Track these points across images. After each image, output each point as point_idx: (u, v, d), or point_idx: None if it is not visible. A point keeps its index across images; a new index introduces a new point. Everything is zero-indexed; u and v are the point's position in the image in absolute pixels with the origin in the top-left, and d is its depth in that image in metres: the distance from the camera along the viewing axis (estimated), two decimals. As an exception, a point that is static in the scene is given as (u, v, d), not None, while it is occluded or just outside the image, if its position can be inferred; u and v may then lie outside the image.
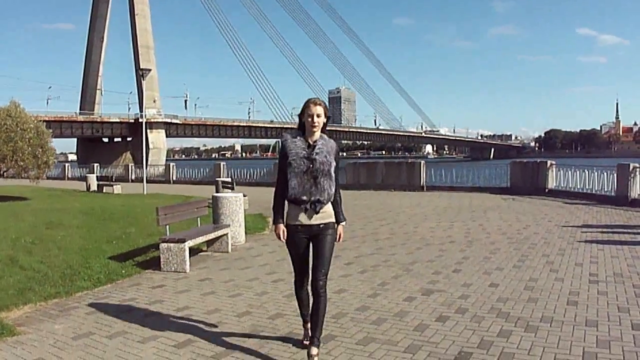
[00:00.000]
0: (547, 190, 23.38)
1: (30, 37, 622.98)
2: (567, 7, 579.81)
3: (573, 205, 19.27)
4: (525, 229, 13.66)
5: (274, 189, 5.23)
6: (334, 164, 5.20)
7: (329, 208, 5.27)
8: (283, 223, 5.28)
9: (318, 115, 5.19)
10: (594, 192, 21.40)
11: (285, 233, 5.27)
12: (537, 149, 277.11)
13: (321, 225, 5.22)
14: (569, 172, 23.18)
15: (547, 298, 7.29)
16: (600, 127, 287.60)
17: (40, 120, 23.42)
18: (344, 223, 5.44)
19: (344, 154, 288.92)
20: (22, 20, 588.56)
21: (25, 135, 20.82)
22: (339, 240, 5.39)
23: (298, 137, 5.26)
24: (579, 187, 22.34)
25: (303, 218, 5.19)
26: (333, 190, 5.22)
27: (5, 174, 22.77)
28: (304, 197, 5.12)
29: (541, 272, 8.81)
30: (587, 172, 22.15)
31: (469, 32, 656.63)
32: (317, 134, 5.26)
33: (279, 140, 4.92)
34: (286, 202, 5.27)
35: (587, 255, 10.15)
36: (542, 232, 12.98)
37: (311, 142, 5.20)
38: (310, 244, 5.30)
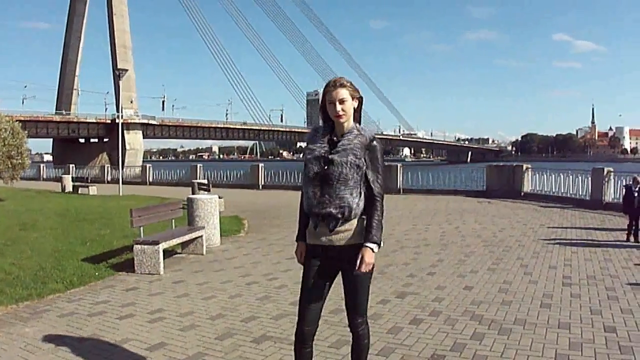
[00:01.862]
0: (522, 193, 23.56)
1: (4, 36, 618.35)
2: (543, 13, 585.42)
3: (548, 208, 19.44)
4: (500, 232, 13.74)
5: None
6: (363, 165, 3.87)
7: (354, 225, 3.92)
8: (304, 240, 4.15)
9: (342, 101, 3.88)
10: (569, 195, 21.64)
11: (303, 254, 4.20)
12: (513, 152, 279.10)
13: (343, 249, 3.95)
14: (545, 175, 23.44)
15: (521, 301, 7.32)
16: (576, 131, 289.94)
17: (16, 120, 23.24)
18: (372, 246, 3.89)
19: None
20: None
21: (0, 135, 20.65)
22: (359, 268, 3.90)
23: (324, 130, 4.02)
24: (554, 190, 22.57)
25: (317, 236, 4.00)
26: (358, 201, 3.87)
27: (-22, 174, 22.55)
28: (315, 210, 3.91)
29: (515, 275, 8.86)
30: (562, 176, 22.42)
31: (446, 37, 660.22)
32: (349, 126, 3.96)
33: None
34: None
35: (560, 258, 10.23)
36: (517, 235, 13.06)
37: (338, 137, 3.96)
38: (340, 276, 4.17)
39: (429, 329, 6.18)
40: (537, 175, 24.05)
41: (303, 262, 4.20)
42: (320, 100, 4.04)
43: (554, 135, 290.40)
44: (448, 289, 7.99)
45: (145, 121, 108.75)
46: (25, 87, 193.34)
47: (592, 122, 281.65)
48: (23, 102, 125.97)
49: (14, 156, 21.31)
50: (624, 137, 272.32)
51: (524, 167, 24.27)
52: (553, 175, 22.96)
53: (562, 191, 22.13)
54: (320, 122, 4.11)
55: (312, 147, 3.97)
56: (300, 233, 4.18)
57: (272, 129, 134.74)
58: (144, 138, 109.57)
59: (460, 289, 8.02)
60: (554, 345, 5.58)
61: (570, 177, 21.98)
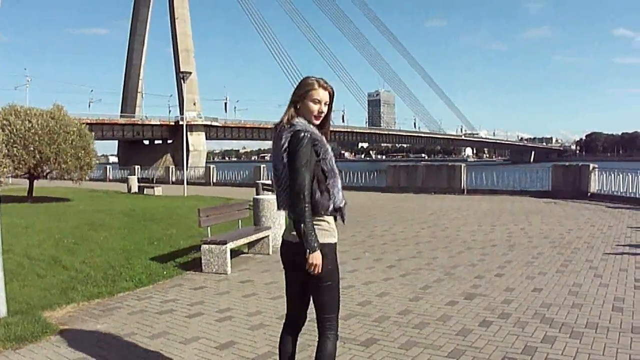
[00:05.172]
0: (589, 194, 23.06)
1: (69, 42, 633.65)
2: (601, 8, 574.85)
3: (616, 209, 18.99)
4: (567, 233, 13.48)
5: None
6: None
7: None
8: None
9: (326, 104, 4.01)
10: (638, 196, 21.08)
11: None
12: (578, 152, 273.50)
13: None
14: (612, 175, 22.88)
15: (592, 304, 7.16)
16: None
17: (83, 123, 23.74)
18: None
19: (383, 156, 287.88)
20: (60, 25, 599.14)
21: (68, 137, 21.15)
22: None
23: None
24: (622, 191, 22.04)
25: None
26: None
27: (48, 175, 23.09)
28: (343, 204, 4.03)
29: (585, 277, 8.67)
30: (630, 176, 21.85)
31: (503, 34, 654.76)
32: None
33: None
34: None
35: (631, 261, 9.96)
36: (585, 237, 12.80)
37: None
38: None
39: (499, 331, 6.10)
40: (604, 175, 23.50)
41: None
42: (300, 94, 3.93)
43: (620, 133, 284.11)
44: (517, 291, 7.87)
45: (208, 123, 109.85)
46: (92, 91, 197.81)
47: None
48: (89, 106, 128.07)
49: (81, 157, 21.77)
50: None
51: (591, 167, 23.73)
52: (621, 175, 22.44)
53: (631, 191, 21.62)
54: (299, 118, 3.91)
55: (325, 143, 3.92)
56: None
57: (334, 129, 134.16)
58: (206, 139, 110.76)
59: (529, 290, 7.89)
60: (628, 351, 5.43)
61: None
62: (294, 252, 3.92)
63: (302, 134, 3.78)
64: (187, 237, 12.32)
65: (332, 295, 4.10)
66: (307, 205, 3.73)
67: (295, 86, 4.00)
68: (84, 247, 10.81)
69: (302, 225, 3.73)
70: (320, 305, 4.12)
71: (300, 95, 3.91)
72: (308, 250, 3.74)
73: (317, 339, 4.19)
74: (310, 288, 4.08)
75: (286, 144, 3.81)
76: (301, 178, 3.72)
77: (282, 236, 4.13)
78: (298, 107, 3.92)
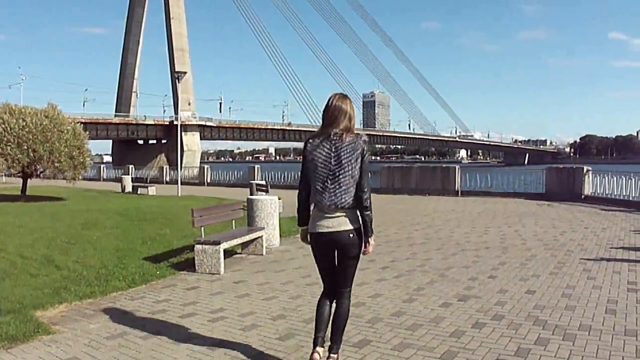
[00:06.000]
0: (583, 196, 23.07)
1: (64, 41, 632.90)
2: (596, 11, 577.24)
3: (610, 212, 19.02)
4: (561, 235, 13.50)
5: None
6: None
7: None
8: None
9: None
10: (631, 198, 21.08)
11: None
12: (572, 154, 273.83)
13: None
14: (606, 178, 22.85)
15: (585, 306, 7.17)
16: (637, 132, 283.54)
17: (77, 122, 23.65)
18: None
19: (377, 157, 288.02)
20: (55, 24, 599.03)
21: (62, 136, 21.07)
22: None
23: None
24: (616, 193, 22.03)
25: None
26: None
27: (42, 174, 23.02)
28: None
29: (578, 280, 8.69)
30: (624, 179, 21.83)
31: (499, 36, 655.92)
32: None
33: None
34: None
35: (625, 263, 9.99)
36: (578, 239, 12.81)
37: None
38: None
39: (492, 333, 6.10)
40: (598, 177, 23.46)
41: None
42: (353, 115, 4.84)
43: (614, 136, 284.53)
44: (510, 293, 7.88)
45: (203, 123, 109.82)
46: (86, 90, 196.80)
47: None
48: (84, 105, 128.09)
49: (75, 156, 21.70)
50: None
51: (584, 169, 23.73)
52: (615, 178, 22.42)
53: (625, 194, 21.63)
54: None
55: None
56: None
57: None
58: (201, 139, 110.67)
59: (523, 292, 7.90)
60: (621, 353, 5.45)
61: (633, 179, 21.43)
62: (338, 239, 4.83)
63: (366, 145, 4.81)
64: (181, 237, 12.28)
65: (356, 268, 5.05)
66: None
67: (328, 103, 4.83)
68: (77, 247, 10.76)
69: (370, 213, 4.82)
70: (347, 277, 5.02)
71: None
72: (372, 234, 4.89)
73: (336, 303, 5.05)
74: (344, 265, 4.98)
75: (363, 149, 4.73)
76: (368, 178, 4.78)
77: (319, 229, 4.92)
78: None
